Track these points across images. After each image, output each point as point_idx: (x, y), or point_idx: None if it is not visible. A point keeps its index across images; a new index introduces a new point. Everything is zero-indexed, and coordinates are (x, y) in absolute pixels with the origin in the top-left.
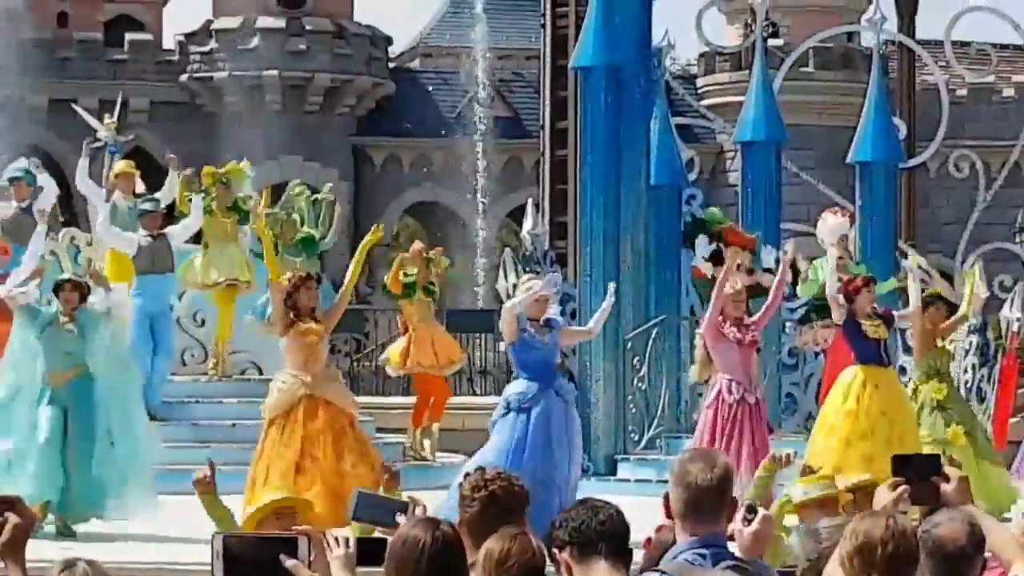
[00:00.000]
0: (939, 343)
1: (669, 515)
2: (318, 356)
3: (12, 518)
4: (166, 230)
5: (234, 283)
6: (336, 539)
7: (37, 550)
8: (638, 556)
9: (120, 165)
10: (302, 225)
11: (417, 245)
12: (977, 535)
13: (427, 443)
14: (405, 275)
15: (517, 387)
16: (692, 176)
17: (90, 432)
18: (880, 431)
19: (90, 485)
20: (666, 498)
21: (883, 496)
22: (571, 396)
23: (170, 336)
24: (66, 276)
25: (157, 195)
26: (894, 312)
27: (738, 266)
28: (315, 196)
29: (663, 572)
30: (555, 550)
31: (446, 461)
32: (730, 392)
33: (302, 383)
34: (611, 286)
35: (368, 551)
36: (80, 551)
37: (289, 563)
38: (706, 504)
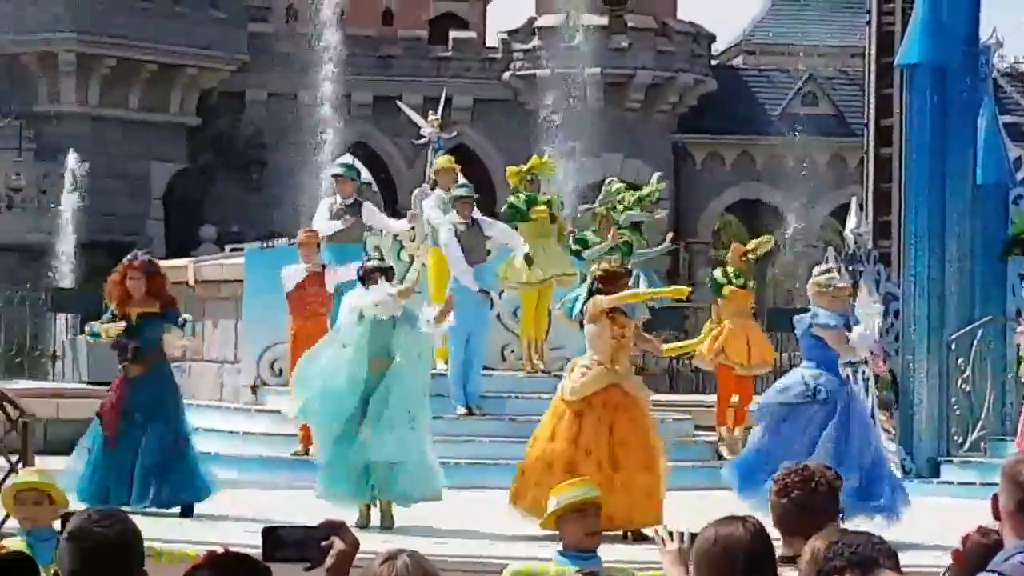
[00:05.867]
0: None
1: (997, 515)
2: (627, 351)
3: (338, 544)
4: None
5: (553, 279)
6: (670, 533)
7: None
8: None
9: (441, 160)
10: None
11: (737, 248)
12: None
13: (723, 449)
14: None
15: (815, 376)
16: (1020, 175)
17: (380, 418)
18: None
19: (389, 472)
20: (994, 498)
21: None
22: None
23: (485, 327)
24: (371, 264)
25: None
26: None
27: None
28: (638, 194)
29: (999, 574)
30: None
31: None
32: None
33: (609, 371)
34: None
35: None
36: (399, 543)
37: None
38: None
